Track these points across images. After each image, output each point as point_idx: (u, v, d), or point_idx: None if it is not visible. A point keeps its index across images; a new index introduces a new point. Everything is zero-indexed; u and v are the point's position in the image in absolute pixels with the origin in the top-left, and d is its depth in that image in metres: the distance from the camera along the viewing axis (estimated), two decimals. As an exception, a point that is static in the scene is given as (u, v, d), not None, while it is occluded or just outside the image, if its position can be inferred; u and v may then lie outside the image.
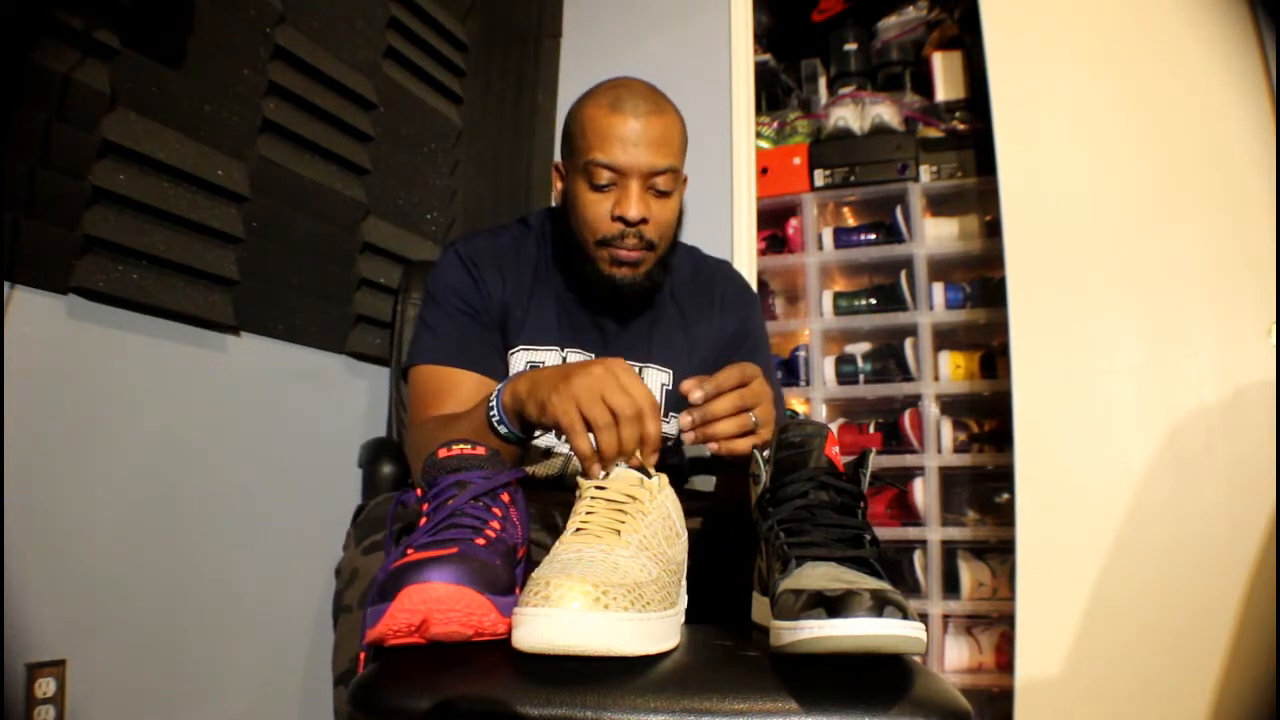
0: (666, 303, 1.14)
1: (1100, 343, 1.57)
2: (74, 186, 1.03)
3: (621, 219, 0.99)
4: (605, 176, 0.99)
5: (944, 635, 1.89)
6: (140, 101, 1.11)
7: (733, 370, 0.82)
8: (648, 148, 0.99)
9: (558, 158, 1.11)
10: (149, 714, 1.13)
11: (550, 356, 1.08)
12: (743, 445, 0.82)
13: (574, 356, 1.08)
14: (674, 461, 1.20)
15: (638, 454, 0.76)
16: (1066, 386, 1.57)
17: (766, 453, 0.77)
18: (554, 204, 1.13)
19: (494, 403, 0.88)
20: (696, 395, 0.80)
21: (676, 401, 1.11)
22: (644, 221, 1.00)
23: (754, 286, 1.82)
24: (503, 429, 0.88)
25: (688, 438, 0.82)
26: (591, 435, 0.77)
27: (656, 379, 1.11)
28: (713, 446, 0.82)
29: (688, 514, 1.00)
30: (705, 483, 1.30)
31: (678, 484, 1.23)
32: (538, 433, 0.92)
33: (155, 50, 1.12)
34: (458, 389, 1.01)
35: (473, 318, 1.06)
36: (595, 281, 1.05)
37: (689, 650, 0.65)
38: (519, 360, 1.07)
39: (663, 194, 1.02)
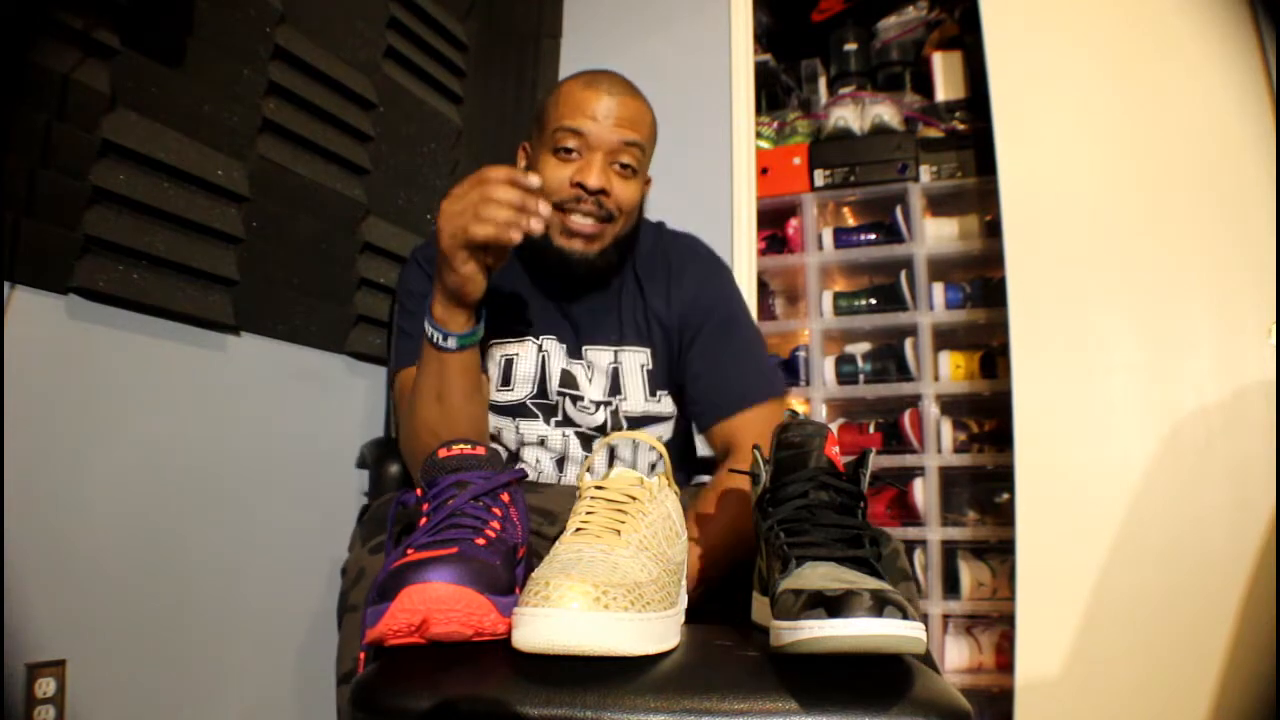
0: (629, 281, 1.11)
1: (1100, 343, 1.57)
2: (74, 186, 1.03)
3: (581, 185, 0.98)
4: (571, 141, 0.99)
5: (944, 635, 1.89)
6: (140, 101, 1.11)
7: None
8: (616, 123, 0.99)
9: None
10: (149, 714, 1.13)
11: (524, 349, 1.08)
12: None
13: (549, 344, 1.08)
14: (674, 451, 1.19)
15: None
16: (1066, 386, 1.57)
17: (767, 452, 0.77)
18: None
19: (431, 331, 0.91)
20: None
21: (663, 378, 1.10)
22: (603, 192, 0.99)
23: (751, 282, 1.84)
24: (451, 342, 0.91)
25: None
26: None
27: (635, 359, 1.09)
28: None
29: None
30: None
31: (678, 476, 1.22)
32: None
33: (155, 50, 1.12)
34: None
35: None
36: (551, 257, 1.03)
37: (689, 650, 0.65)
38: (494, 354, 1.08)
39: (626, 168, 1.01)
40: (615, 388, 1.08)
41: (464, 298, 0.89)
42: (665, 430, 1.15)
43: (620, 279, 1.10)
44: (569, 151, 0.99)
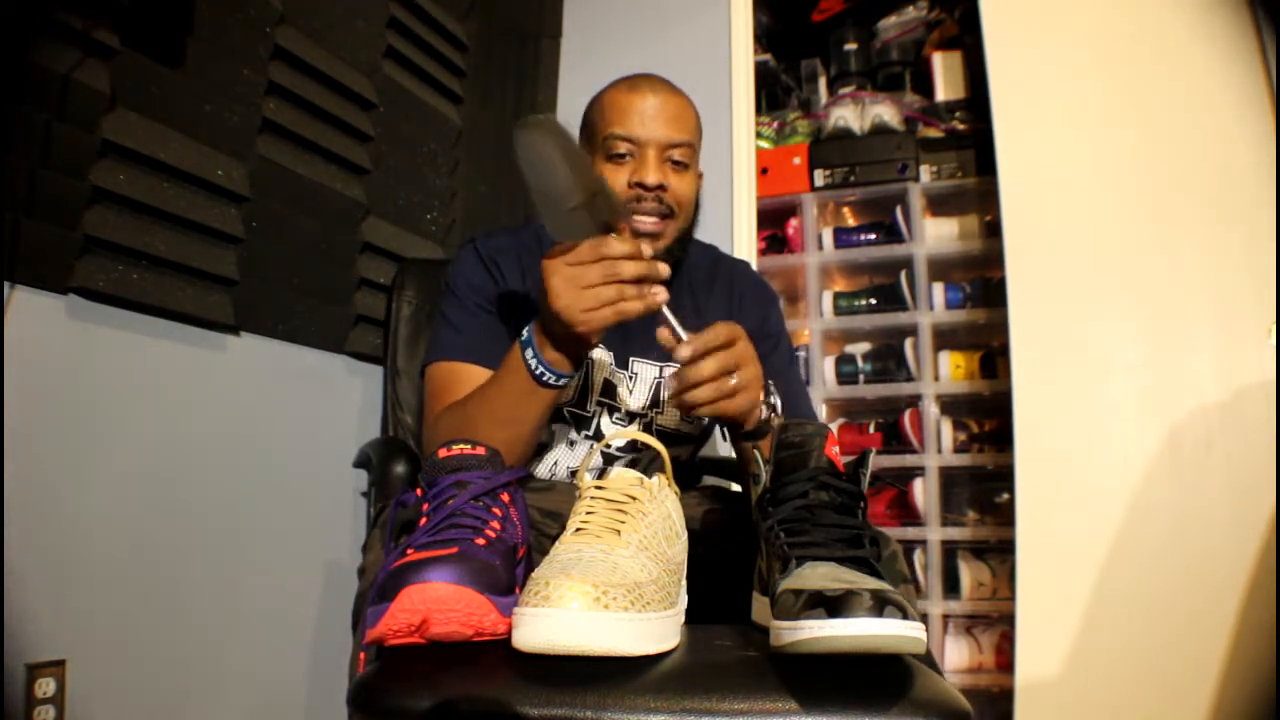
0: (683, 297, 1.12)
1: (1100, 343, 1.57)
2: (74, 186, 1.03)
3: (640, 184, 1.00)
4: (623, 147, 1.01)
5: (944, 635, 1.89)
6: (140, 101, 1.11)
7: (720, 328, 0.83)
8: (665, 122, 1.01)
9: None
10: (149, 714, 1.13)
11: None
12: (728, 406, 0.84)
13: (595, 354, 1.07)
14: (684, 459, 1.19)
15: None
16: (1066, 386, 1.57)
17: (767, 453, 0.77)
18: None
19: (540, 370, 0.88)
20: (682, 354, 0.82)
21: None
22: (662, 188, 1.01)
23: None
24: (563, 381, 0.89)
25: (671, 401, 0.85)
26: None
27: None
28: (697, 410, 0.84)
29: (698, 511, 1.00)
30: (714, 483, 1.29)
31: (689, 484, 1.22)
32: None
33: (155, 50, 1.12)
34: (477, 385, 0.99)
35: (494, 315, 1.05)
36: None
37: (689, 650, 0.65)
38: None
39: (679, 165, 1.03)
40: (655, 402, 1.09)
41: (586, 352, 0.90)
42: (684, 451, 1.15)
43: (675, 292, 1.10)
44: (621, 156, 1.01)
